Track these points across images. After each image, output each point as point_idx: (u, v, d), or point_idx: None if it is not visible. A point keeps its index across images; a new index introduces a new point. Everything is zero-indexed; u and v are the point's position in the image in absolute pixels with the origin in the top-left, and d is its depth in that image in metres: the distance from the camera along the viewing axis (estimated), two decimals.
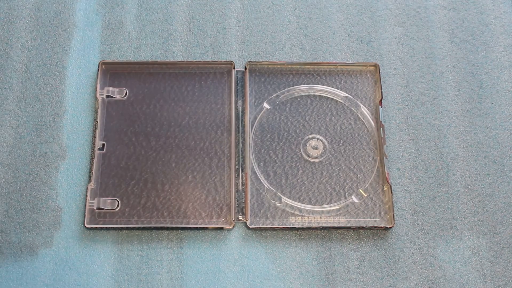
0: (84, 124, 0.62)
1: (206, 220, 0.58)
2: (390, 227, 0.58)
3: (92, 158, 0.60)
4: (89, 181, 0.59)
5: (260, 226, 0.58)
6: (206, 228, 0.58)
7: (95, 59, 0.64)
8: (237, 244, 0.58)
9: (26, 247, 0.57)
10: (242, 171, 0.60)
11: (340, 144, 0.61)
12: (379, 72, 0.64)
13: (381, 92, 0.63)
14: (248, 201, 0.58)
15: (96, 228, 0.57)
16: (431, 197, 0.60)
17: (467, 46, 0.66)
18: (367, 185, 0.60)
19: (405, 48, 0.66)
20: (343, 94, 0.63)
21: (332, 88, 0.63)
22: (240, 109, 0.62)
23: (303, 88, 0.63)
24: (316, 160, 0.61)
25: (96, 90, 0.62)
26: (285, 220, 0.58)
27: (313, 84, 0.64)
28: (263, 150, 0.61)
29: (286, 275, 0.57)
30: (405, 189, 0.60)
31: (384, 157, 0.60)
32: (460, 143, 0.62)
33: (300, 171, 0.60)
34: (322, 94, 0.63)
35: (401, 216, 0.59)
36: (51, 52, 0.64)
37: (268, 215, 0.58)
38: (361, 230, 0.59)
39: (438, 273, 0.57)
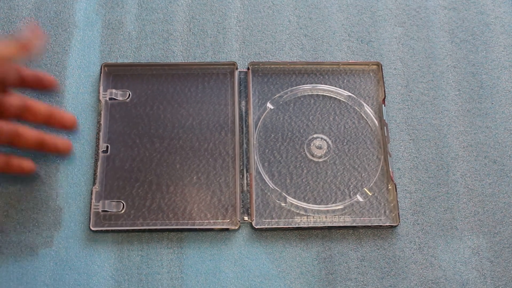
0: (85, 125, 0.61)
1: (211, 221, 0.58)
2: (396, 226, 0.58)
3: (96, 160, 0.59)
4: (94, 183, 0.58)
5: (266, 227, 0.58)
6: (212, 230, 0.58)
7: (95, 59, 0.64)
8: (243, 245, 0.58)
9: (27, 247, 0.57)
10: (247, 171, 0.60)
11: (344, 143, 0.61)
12: (382, 71, 0.64)
13: (384, 90, 0.63)
14: (253, 202, 0.58)
15: (101, 231, 0.57)
16: (431, 197, 0.60)
17: (467, 46, 0.67)
18: (371, 184, 0.60)
19: (406, 48, 0.66)
20: (346, 93, 0.63)
21: (335, 88, 0.63)
22: (243, 110, 0.62)
23: (306, 88, 0.63)
24: (321, 160, 0.61)
25: (99, 92, 0.62)
26: (290, 220, 0.58)
27: (316, 83, 0.63)
28: (267, 150, 0.61)
29: (287, 275, 0.57)
30: (405, 189, 0.60)
31: (388, 156, 0.60)
32: (460, 143, 0.63)
33: (305, 171, 0.60)
34: (325, 94, 0.63)
35: (402, 216, 0.59)
36: (51, 52, 0.64)
37: (274, 216, 0.58)
38: (362, 230, 0.59)
39: (438, 273, 0.58)
